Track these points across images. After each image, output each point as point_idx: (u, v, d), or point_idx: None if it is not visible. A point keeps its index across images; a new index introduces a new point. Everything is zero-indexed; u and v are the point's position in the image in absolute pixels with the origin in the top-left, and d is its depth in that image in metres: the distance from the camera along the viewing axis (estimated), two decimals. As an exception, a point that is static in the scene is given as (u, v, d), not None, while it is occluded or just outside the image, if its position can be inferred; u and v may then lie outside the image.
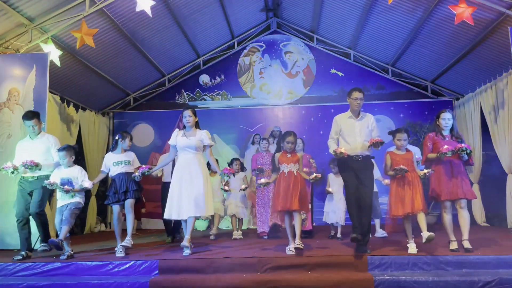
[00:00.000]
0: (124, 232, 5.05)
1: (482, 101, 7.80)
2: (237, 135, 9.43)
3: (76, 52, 7.24)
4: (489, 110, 7.52)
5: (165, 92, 9.93)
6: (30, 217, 4.95)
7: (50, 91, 6.55)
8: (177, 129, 5.03)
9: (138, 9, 6.12)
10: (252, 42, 9.90)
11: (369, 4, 7.57)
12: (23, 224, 4.90)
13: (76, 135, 8.17)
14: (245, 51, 9.91)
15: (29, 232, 4.96)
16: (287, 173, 4.69)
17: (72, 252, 4.75)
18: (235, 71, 9.87)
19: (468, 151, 4.40)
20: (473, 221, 8.00)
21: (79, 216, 5.06)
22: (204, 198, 4.76)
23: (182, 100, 9.87)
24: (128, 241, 4.88)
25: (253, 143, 8.55)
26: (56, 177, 4.81)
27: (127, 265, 4.34)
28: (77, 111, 8.33)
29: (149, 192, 8.20)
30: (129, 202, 4.96)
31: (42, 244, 4.85)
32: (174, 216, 4.80)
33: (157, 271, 4.27)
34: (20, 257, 4.68)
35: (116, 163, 5.05)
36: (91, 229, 8.58)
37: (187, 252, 4.66)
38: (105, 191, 5.51)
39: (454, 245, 4.47)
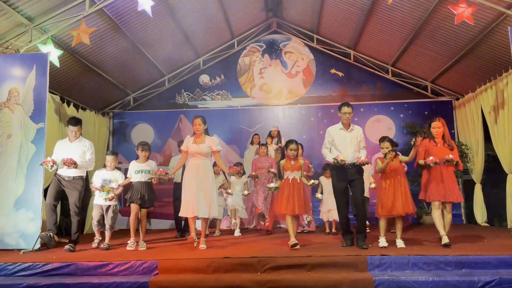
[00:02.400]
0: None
1: (482, 101, 7.79)
2: (237, 135, 9.43)
3: (76, 52, 7.24)
4: (489, 110, 7.52)
5: (165, 92, 9.92)
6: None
7: (50, 91, 6.55)
8: (188, 136, 5.51)
9: (139, 9, 6.12)
10: (252, 42, 9.89)
11: (369, 4, 7.57)
12: (52, 211, 5.38)
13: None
14: (245, 51, 9.90)
15: (56, 219, 5.53)
16: (291, 180, 5.13)
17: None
18: (235, 71, 9.86)
19: (454, 162, 4.92)
20: (473, 221, 8.03)
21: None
22: (209, 201, 5.21)
23: (182, 100, 9.87)
24: (143, 246, 5.38)
25: (252, 143, 8.51)
26: (98, 178, 5.50)
27: (127, 265, 4.33)
28: (77, 111, 8.32)
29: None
30: (144, 211, 5.55)
31: (70, 245, 5.20)
32: (189, 215, 5.24)
33: (157, 271, 4.27)
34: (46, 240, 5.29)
35: (137, 171, 5.56)
36: (92, 229, 8.53)
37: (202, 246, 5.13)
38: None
39: (445, 239, 4.74)
